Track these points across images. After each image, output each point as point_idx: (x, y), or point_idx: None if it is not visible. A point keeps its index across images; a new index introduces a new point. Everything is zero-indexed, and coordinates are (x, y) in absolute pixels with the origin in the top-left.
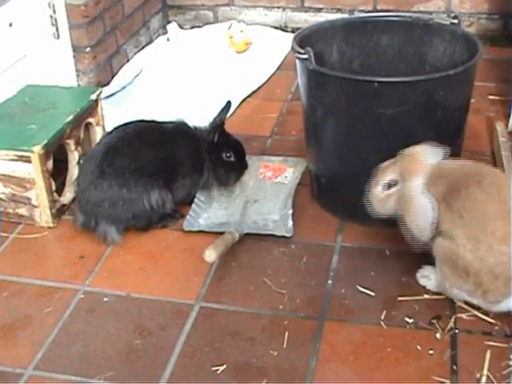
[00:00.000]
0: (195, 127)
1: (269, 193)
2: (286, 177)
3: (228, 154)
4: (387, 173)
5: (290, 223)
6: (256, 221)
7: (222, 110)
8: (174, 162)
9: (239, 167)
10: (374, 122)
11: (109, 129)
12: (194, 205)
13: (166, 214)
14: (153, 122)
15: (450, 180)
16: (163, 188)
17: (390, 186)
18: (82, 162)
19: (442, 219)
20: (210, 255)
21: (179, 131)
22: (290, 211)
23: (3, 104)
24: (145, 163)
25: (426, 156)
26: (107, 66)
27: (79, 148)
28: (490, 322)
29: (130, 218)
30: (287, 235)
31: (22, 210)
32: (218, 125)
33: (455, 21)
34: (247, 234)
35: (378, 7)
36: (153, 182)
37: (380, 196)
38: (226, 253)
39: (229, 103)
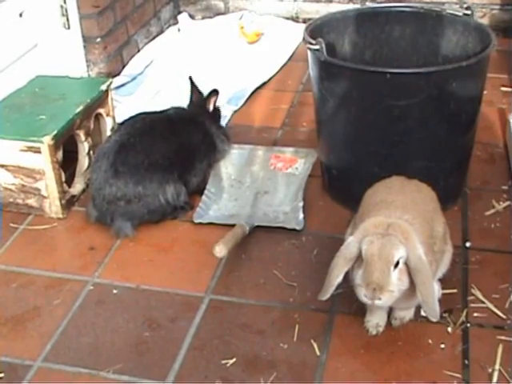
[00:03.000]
0: (189, 108)
1: (279, 184)
2: (296, 168)
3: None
4: (394, 252)
5: (301, 216)
6: (266, 213)
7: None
8: (189, 150)
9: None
10: (385, 114)
11: (119, 119)
12: (204, 196)
13: (177, 205)
14: (155, 112)
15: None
16: (178, 181)
17: (397, 263)
18: (93, 160)
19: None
20: (220, 251)
21: (183, 117)
22: (301, 203)
23: (13, 94)
24: (159, 158)
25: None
26: (118, 56)
27: (89, 139)
28: (502, 317)
29: (146, 214)
30: (298, 228)
31: (32, 201)
32: (212, 93)
33: (468, 12)
34: (257, 227)
35: None
36: (168, 176)
37: (396, 279)
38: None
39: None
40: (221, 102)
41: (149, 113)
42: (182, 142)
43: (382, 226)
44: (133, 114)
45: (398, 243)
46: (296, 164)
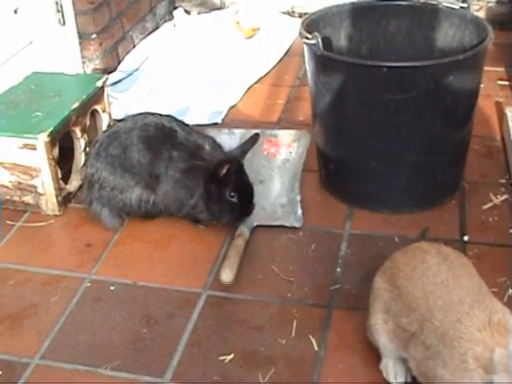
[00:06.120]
0: (212, 148)
1: (274, 172)
2: (290, 152)
3: (232, 194)
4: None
5: (299, 212)
6: (264, 207)
7: (248, 141)
8: (157, 170)
9: (239, 212)
10: (382, 108)
11: (115, 116)
12: None
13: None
14: (180, 122)
15: None
16: (146, 189)
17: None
18: None
19: None
20: (227, 276)
21: (183, 145)
22: (298, 197)
23: (9, 91)
24: (133, 161)
25: None
26: (113, 52)
27: (85, 135)
28: None
29: (121, 206)
30: (297, 225)
31: (28, 198)
32: (232, 160)
33: (464, 5)
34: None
35: None
36: (137, 179)
37: None
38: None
39: (257, 135)
40: (216, 97)
41: (176, 120)
42: (159, 162)
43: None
44: (131, 110)
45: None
46: (290, 148)
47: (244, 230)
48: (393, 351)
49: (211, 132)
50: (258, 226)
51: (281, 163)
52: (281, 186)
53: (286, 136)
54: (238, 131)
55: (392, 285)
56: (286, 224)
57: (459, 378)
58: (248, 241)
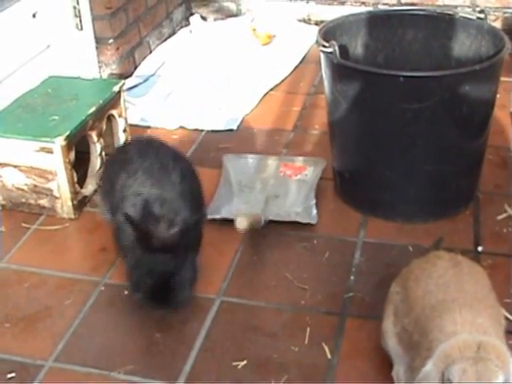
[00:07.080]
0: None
1: (290, 189)
2: (306, 174)
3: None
4: (494, 381)
5: (314, 211)
6: (278, 213)
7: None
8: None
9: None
10: (398, 117)
11: (131, 121)
12: (216, 196)
13: None
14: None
15: None
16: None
17: None
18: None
19: None
20: (241, 222)
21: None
22: (313, 201)
23: (26, 95)
24: (106, 181)
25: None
26: (130, 57)
27: (101, 140)
28: None
29: None
30: (312, 222)
31: (44, 202)
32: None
33: (481, 15)
34: (269, 230)
35: (402, 1)
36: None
37: None
38: (247, 247)
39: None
40: (231, 103)
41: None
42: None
43: (470, 347)
44: (147, 115)
45: (497, 369)
46: (305, 171)
47: (260, 213)
48: (401, 356)
49: (229, 158)
50: (270, 230)
51: (296, 183)
52: (295, 200)
53: (302, 162)
54: (255, 156)
55: (403, 287)
56: (300, 220)
57: (423, 365)
58: (260, 233)
